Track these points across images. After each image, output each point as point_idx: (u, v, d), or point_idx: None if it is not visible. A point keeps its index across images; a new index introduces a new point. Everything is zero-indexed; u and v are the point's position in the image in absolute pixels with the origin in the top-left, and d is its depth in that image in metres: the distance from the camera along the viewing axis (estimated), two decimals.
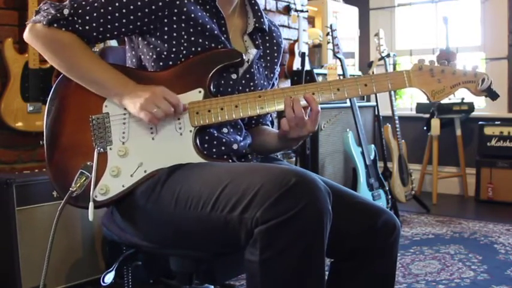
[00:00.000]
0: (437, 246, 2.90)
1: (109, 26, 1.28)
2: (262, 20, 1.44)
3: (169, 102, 1.23)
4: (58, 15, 1.26)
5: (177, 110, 1.25)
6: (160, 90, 1.24)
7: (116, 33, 1.30)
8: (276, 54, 1.51)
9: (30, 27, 1.30)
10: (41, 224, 1.99)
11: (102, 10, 1.27)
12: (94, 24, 1.27)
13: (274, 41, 1.50)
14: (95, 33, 1.29)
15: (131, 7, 1.27)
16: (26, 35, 1.32)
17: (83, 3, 1.28)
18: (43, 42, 1.29)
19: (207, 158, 1.29)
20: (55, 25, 1.27)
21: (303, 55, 3.17)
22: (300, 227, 1.04)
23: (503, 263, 2.60)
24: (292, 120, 1.28)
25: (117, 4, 1.27)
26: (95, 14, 1.27)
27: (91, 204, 1.26)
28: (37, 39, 1.29)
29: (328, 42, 3.24)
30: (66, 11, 1.26)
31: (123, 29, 1.29)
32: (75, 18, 1.27)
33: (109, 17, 1.27)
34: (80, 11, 1.27)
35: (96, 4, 1.27)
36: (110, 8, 1.27)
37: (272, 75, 1.51)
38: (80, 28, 1.28)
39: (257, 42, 1.44)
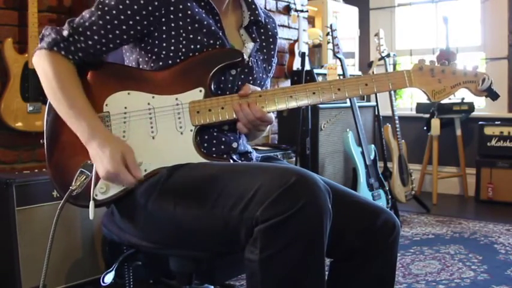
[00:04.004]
0: (438, 246, 2.90)
1: (110, 36, 1.29)
2: (257, 12, 1.45)
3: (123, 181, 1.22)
4: (58, 37, 1.28)
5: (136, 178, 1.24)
6: (114, 173, 1.20)
7: (118, 41, 1.30)
8: (272, 46, 1.51)
9: (36, 54, 1.32)
10: (41, 224, 1.98)
11: (100, 22, 1.28)
12: (96, 37, 1.29)
13: (270, 32, 1.51)
14: (98, 46, 1.30)
15: (128, 12, 1.27)
16: (33, 61, 1.33)
17: (81, 21, 1.29)
18: (41, 67, 1.30)
19: (207, 157, 1.29)
20: (55, 48, 1.28)
21: (303, 55, 3.17)
22: (300, 225, 1.04)
23: (503, 263, 2.60)
24: (247, 124, 1.31)
25: (114, 12, 1.28)
26: (94, 28, 1.28)
27: (91, 203, 1.26)
28: (39, 64, 1.31)
29: (328, 42, 3.24)
30: (65, 33, 1.28)
31: (125, 36, 1.30)
32: (76, 37, 1.28)
33: (108, 26, 1.28)
34: (80, 29, 1.28)
35: (93, 18, 1.28)
36: (107, 18, 1.28)
37: (270, 67, 1.52)
38: (83, 45, 1.29)
39: (254, 36, 1.45)
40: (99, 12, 1.28)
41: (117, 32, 1.29)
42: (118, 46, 1.33)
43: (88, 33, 1.28)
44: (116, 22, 1.28)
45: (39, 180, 2.01)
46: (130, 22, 1.28)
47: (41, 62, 1.30)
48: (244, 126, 1.31)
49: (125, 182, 1.23)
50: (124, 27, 1.29)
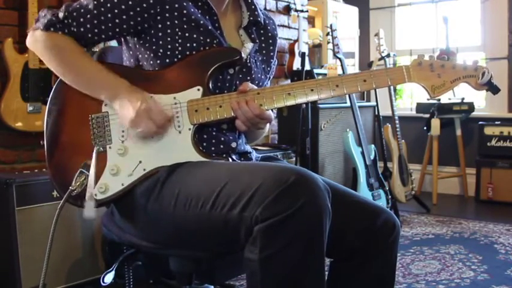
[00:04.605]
0: (438, 246, 2.90)
1: (103, 27, 1.29)
2: (256, 12, 1.45)
3: (153, 121, 1.24)
4: (54, 19, 1.29)
5: (162, 127, 1.26)
6: (145, 109, 1.23)
7: (110, 33, 1.31)
8: (271, 47, 1.51)
9: (30, 34, 1.33)
10: (41, 224, 1.98)
11: (95, 11, 1.28)
12: (88, 26, 1.29)
13: (270, 34, 1.51)
14: (89, 35, 1.30)
15: (123, 7, 1.28)
16: (28, 42, 1.35)
17: (77, 6, 1.30)
18: (41, 46, 1.31)
19: (206, 156, 1.29)
20: (51, 29, 1.29)
21: (303, 55, 3.17)
22: (300, 225, 1.04)
23: (503, 263, 2.60)
24: (246, 121, 1.30)
25: (109, 5, 1.28)
26: (88, 16, 1.29)
27: (90, 203, 1.25)
28: (36, 44, 1.32)
29: (328, 42, 3.24)
30: (61, 15, 1.29)
31: (117, 29, 1.30)
32: (70, 21, 1.29)
33: (102, 18, 1.28)
34: (74, 14, 1.29)
35: (89, 6, 1.29)
36: (102, 9, 1.28)
37: (269, 68, 1.51)
38: (75, 30, 1.30)
39: (253, 36, 1.44)
40: (95, 2, 1.29)
41: (110, 24, 1.29)
42: (110, 38, 1.33)
43: (81, 20, 1.29)
44: (109, 15, 1.28)
45: (39, 180, 2.01)
46: (124, 17, 1.29)
47: (41, 41, 1.30)
48: (242, 124, 1.31)
49: (157, 115, 1.23)
50: (117, 20, 1.29)
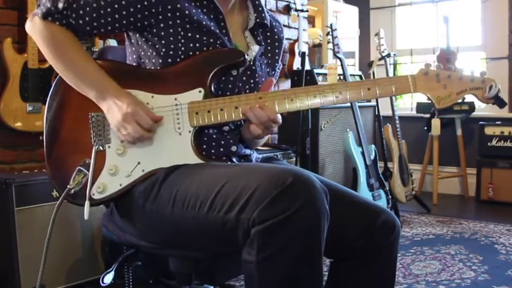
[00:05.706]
0: (438, 246, 2.89)
1: (102, 21, 1.28)
2: (263, 14, 1.43)
3: (140, 125, 1.23)
4: (53, 8, 1.27)
5: (149, 131, 1.26)
6: (132, 113, 1.23)
7: (109, 27, 1.29)
8: (277, 51, 1.49)
9: (29, 20, 1.32)
10: (40, 224, 1.98)
11: (95, 5, 1.27)
12: (87, 19, 1.27)
13: (276, 36, 1.49)
14: (88, 28, 1.29)
15: (123, 2, 1.26)
16: (26, 26, 1.33)
17: None
18: (37, 33, 1.30)
19: (205, 158, 1.29)
20: (49, 18, 1.27)
21: (303, 55, 3.16)
22: (297, 226, 1.03)
23: (504, 263, 2.60)
24: (259, 125, 1.28)
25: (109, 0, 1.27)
26: (87, 9, 1.27)
27: (87, 203, 1.25)
28: (34, 32, 1.31)
29: (328, 42, 3.24)
30: (60, 5, 1.27)
31: (117, 24, 1.29)
32: (69, 12, 1.27)
33: (101, 11, 1.27)
34: (74, 5, 1.27)
35: None
36: (102, 3, 1.27)
37: (273, 72, 1.50)
38: (73, 22, 1.28)
39: (259, 38, 1.43)
40: None
41: (109, 19, 1.28)
42: (109, 32, 1.32)
43: (81, 12, 1.27)
44: (109, 10, 1.27)
45: (38, 180, 2.01)
46: (124, 12, 1.27)
47: (38, 29, 1.29)
48: (256, 127, 1.28)
49: (144, 119, 1.23)
50: (117, 15, 1.28)
